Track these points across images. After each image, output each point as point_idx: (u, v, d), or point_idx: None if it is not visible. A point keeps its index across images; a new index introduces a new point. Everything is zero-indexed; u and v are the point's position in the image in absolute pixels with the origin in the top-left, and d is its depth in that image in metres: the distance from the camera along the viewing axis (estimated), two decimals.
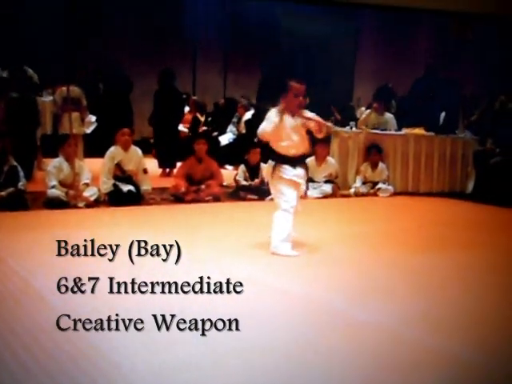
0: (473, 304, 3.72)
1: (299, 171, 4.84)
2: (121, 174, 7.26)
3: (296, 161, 4.84)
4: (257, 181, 8.12)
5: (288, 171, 4.80)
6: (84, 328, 3.00)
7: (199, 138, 8.16)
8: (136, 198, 7.18)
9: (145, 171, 7.39)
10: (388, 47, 13.67)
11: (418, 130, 9.21)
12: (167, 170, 10.20)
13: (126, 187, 7.18)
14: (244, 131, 11.57)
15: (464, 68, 11.75)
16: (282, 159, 4.80)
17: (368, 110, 10.00)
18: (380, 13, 12.76)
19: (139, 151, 7.44)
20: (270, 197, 7.94)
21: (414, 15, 12.65)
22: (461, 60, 11.88)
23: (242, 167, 8.31)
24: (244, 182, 8.17)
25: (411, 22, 13.27)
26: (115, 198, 7.09)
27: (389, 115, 9.64)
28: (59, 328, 2.98)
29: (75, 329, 2.98)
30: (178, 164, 9.29)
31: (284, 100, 4.70)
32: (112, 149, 7.29)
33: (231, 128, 12.27)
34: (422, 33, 13.54)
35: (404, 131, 9.25)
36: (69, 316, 3.11)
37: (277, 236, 4.72)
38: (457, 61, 11.83)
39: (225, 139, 12.00)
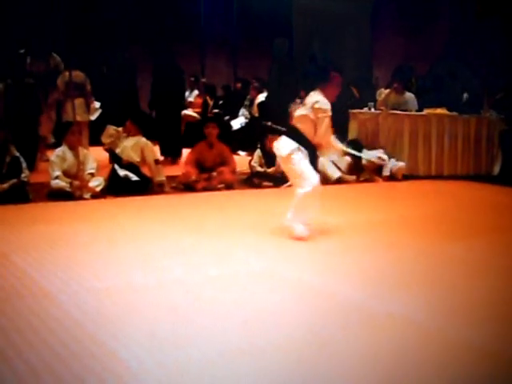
0: (500, 293, 3.54)
1: None
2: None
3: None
4: (273, 168, 7.76)
5: None
6: (93, 326, 2.91)
7: (209, 122, 7.79)
8: (140, 187, 6.87)
9: (156, 162, 7.19)
10: (406, 25, 13.27)
11: (441, 110, 8.76)
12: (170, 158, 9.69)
13: (122, 172, 6.89)
14: (257, 115, 11.15)
15: (488, 45, 11.27)
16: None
17: (387, 90, 9.55)
18: None
19: (143, 141, 7.16)
20: (286, 184, 7.69)
21: None
22: (484, 37, 11.39)
23: (257, 152, 7.93)
24: (259, 168, 7.80)
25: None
26: (115, 185, 6.81)
27: (409, 95, 9.22)
28: (66, 327, 2.90)
29: (81, 326, 2.90)
30: (184, 151, 9.02)
31: (324, 89, 4.76)
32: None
33: (243, 111, 11.86)
34: (442, 10, 13.08)
35: (425, 111, 8.81)
36: (77, 314, 3.05)
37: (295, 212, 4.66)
38: (479, 38, 11.35)
39: (237, 123, 11.60)
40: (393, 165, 8.28)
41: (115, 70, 9.51)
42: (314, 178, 4.61)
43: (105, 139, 7.39)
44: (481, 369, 2.53)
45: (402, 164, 8.33)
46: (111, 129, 7.31)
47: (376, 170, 8.33)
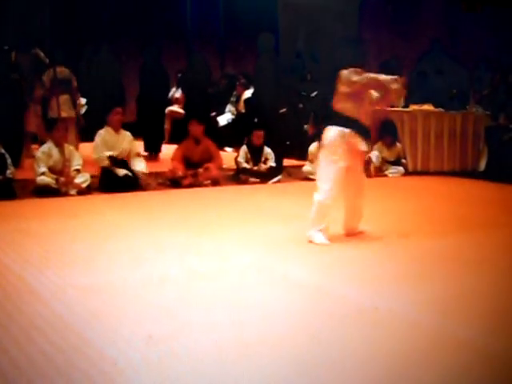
0: (488, 287, 3.55)
1: None
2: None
3: None
4: (261, 165, 7.76)
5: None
6: (79, 323, 2.89)
7: (192, 119, 7.71)
8: (132, 183, 6.86)
9: (138, 155, 7.19)
10: (394, 20, 13.29)
11: (427, 107, 8.80)
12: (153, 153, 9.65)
13: (122, 171, 6.86)
14: (244, 111, 11.12)
15: (475, 41, 11.32)
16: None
17: None
18: None
19: (129, 135, 7.15)
20: (272, 180, 7.70)
21: None
22: (471, 33, 11.44)
23: (243, 148, 7.92)
24: (245, 165, 7.80)
25: None
26: (109, 183, 6.76)
27: None
28: (52, 324, 2.86)
29: (69, 324, 2.86)
30: (165, 147, 9.07)
31: None
32: (102, 131, 7.00)
33: (230, 108, 11.84)
34: (429, 5, 13.12)
35: (411, 108, 8.85)
36: (63, 311, 3.02)
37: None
38: (467, 34, 11.40)
39: (223, 120, 11.58)
40: (392, 170, 8.37)
41: (102, 66, 9.45)
42: (330, 189, 4.43)
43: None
44: (471, 363, 2.52)
45: (401, 169, 8.44)
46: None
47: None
